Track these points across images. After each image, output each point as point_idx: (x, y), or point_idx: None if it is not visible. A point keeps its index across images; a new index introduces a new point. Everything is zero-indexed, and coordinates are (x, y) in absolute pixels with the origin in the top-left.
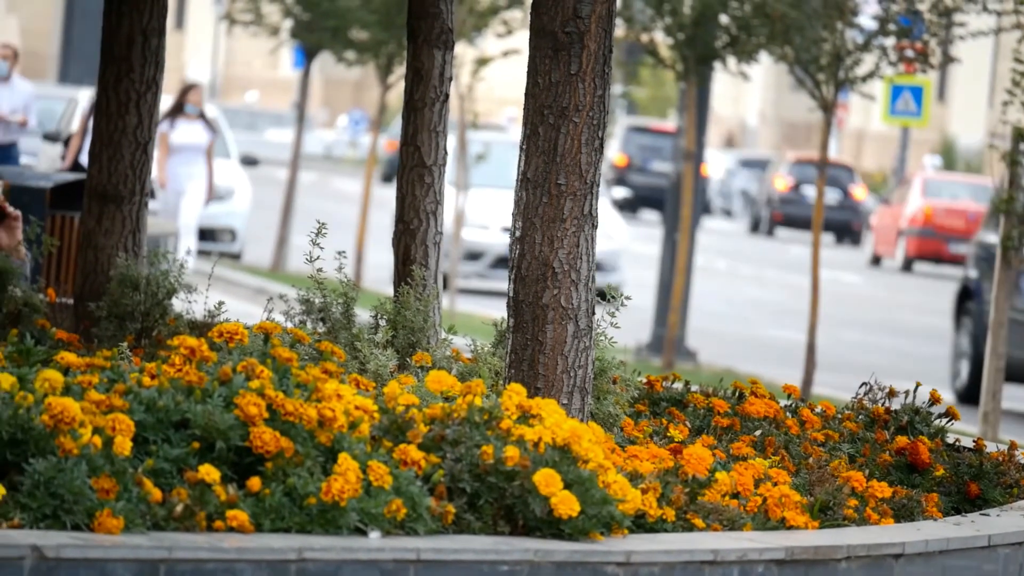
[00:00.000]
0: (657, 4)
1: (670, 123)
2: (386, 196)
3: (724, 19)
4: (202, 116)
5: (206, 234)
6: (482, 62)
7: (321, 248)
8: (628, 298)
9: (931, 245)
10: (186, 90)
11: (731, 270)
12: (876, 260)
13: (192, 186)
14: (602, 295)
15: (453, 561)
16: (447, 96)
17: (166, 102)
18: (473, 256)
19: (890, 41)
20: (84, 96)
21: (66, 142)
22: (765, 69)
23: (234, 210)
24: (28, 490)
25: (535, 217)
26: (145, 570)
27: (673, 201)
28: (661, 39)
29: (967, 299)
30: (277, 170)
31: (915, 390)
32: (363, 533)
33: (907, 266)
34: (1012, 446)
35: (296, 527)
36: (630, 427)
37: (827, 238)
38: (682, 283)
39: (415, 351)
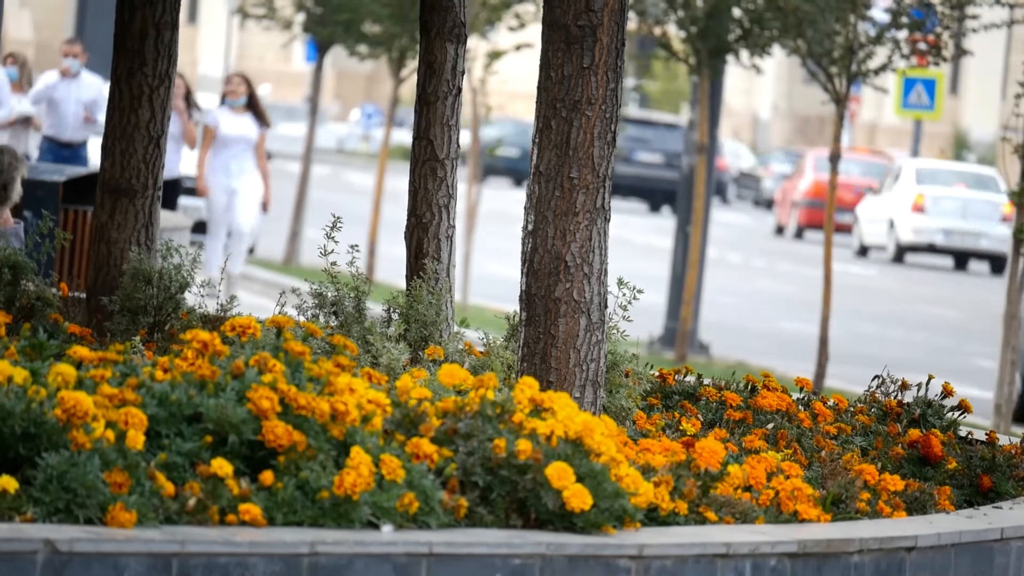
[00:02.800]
0: None
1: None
2: (399, 190)
3: (737, 12)
4: (251, 107)
5: None
6: (495, 55)
7: (336, 242)
8: (640, 291)
9: (820, 215)
10: (227, 81)
11: (740, 262)
12: (780, 229)
13: (245, 184)
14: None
15: (465, 555)
16: (460, 90)
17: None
18: None
19: (903, 34)
20: None
21: None
22: (778, 62)
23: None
24: (41, 484)
25: (547, 211)
26: (158, 564)
27: (685, 194)
28: (674, 32)
29: None
30: (290, 164)
31: (927, 383)
32: (375, 527)
33: (799, 234)
34: None
35: (308, 521)
36: (642, 420)
37: (640, 206)
38: (695, 276)
39: (427, 345)
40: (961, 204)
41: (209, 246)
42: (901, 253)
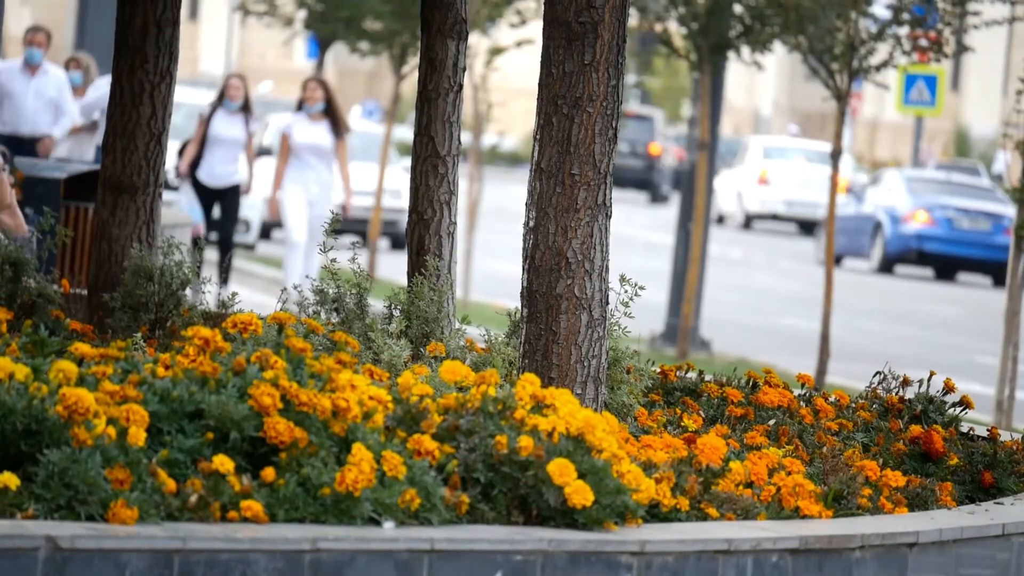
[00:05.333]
0: None
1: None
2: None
3: (738, 8)
4: (327, 114)
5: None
6: (496, 52)
7: (336, 238)
8: (642, 288)
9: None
10: (304, 87)
11: (734, 258)
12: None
13: (320, 199)
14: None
15: (467, 551)
16: (461, 86)
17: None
18: None
19: (904, 30)
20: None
21: (180, 150)
22: (779, 59)
23: (248, 201)
24: (42, 481)
25: (549, 207)
26: (159, 561)
27: (687, 191)
28: (675, 29)
29: None
30: None
31: (929, 379)
32: (377, 523)
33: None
34: None
35: (310, 517)
36: (644, 417)
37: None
38: (696, 272)
39: (429, 341)
40: (802, 178)
41: (287, 257)
42: (749, 221)
